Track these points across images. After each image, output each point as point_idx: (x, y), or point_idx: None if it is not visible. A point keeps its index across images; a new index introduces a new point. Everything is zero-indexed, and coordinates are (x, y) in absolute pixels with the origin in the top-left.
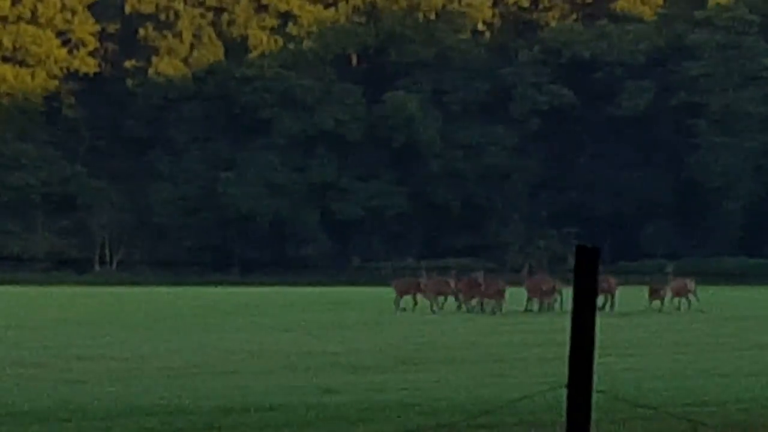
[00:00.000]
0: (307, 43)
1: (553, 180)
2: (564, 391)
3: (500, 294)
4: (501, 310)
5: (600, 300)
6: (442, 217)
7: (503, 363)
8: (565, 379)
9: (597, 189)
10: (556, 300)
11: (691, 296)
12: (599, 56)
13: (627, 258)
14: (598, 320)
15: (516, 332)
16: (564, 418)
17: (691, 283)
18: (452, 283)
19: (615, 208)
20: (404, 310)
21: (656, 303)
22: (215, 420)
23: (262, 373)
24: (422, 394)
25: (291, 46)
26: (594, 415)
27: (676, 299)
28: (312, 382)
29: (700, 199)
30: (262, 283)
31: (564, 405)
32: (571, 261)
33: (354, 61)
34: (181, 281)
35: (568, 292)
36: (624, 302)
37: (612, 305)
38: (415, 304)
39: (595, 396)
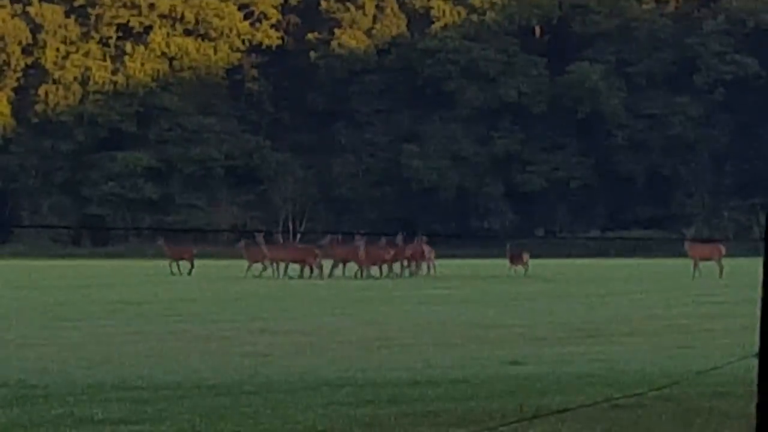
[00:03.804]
0: (490, 15)
1: (738, 150)
2: (754, 361)
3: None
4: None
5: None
6: (626, 189)
7: (689, 335)
8: (753, 350)
9: None
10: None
11: None
12: None
13: None
14: None
15: (700, 304)
16: (754, 389)
17: None
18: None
19: None
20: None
21: None
22: (401, 392)
23: (446, 345)
24: (608, 366)
25: (474, 17)
26: None
27: None
28: (497, 354)
29: None
30: (446, 256)
31: (754, 375)
32: (757, 231)
33: (537, 32)
34: None
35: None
36: None
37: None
38: (264, 269)
39: None
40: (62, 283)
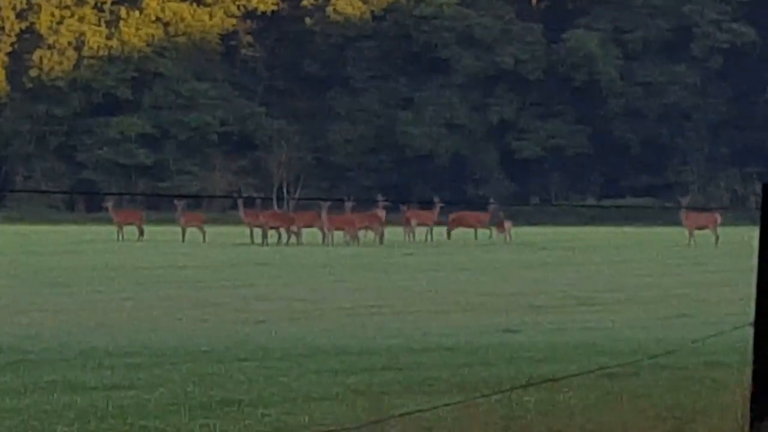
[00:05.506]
0: None
1: (734, 119)
2: (749, 330)
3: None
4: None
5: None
6: (621, 157)
7: (684, 303)
8: (750, 319)
9: None
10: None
11: None
12: None
13: None
14: None
15: (696, 272)
16: (749, 358)
17: None
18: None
19: None
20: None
21: None
22: (395, 360)
23: (441, 312)
24: (603, 334)
25: None
26: None
27: None
28: (492, 322)
29: None
30: (441, 223)
31: (750, 344)
32: (753, 200)
33: None
34: None
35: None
36: None
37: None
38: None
39: None
40: (56, 248)
